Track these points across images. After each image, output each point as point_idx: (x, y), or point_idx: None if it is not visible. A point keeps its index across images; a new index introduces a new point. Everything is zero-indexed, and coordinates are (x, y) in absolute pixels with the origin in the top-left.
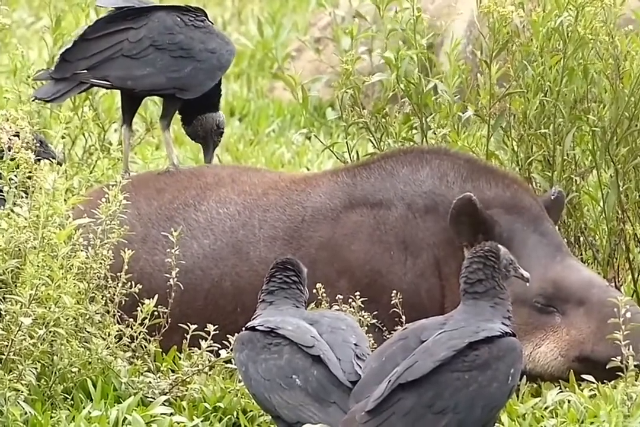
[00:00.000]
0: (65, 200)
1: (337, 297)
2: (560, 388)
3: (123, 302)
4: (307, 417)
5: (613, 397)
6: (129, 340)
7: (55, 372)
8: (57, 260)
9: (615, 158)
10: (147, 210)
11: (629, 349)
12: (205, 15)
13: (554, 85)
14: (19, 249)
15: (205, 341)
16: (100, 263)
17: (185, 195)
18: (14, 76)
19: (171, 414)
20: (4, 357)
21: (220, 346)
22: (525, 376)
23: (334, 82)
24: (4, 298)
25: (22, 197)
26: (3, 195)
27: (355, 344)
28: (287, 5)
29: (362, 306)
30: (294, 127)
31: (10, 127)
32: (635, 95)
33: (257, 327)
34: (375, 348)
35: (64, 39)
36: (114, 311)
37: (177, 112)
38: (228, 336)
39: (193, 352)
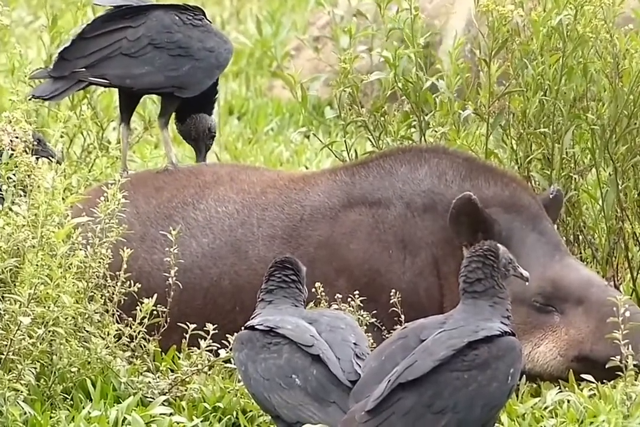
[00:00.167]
0: (63, 199)
1: (336, 296)
2: (559, 388)
3: (122, 302)
4: (307, 416)
5: (612, 397)
6: (128, 339)
7: (55, 372)
8: (56, 259)
9: (614, 156)
10: (146, 209)
11: (628, 349)
12: (204, 14)
13: (553, 83)
14: (18, 248)
15: (205, 340)
16: (99, 262)
17: (184, 194)
18: (12, 75)
19: (170, 414)
20: (3, 357)
21: (219, 346)
22: (524, 376)
23: (333, 81)
24: (2, 297)
25: (21, 195)
26: (2, 194)
27: (354, 343)
28: (286, 4)
29: (361, 304)
30: (292, 125)
31: (14, 130)
32: (634, 94)
33: (256, 327)
34: (374, 347)
35: (62, 37)
36: (113, 310)
37: None
38: (227, 335)
39: (192, 352)
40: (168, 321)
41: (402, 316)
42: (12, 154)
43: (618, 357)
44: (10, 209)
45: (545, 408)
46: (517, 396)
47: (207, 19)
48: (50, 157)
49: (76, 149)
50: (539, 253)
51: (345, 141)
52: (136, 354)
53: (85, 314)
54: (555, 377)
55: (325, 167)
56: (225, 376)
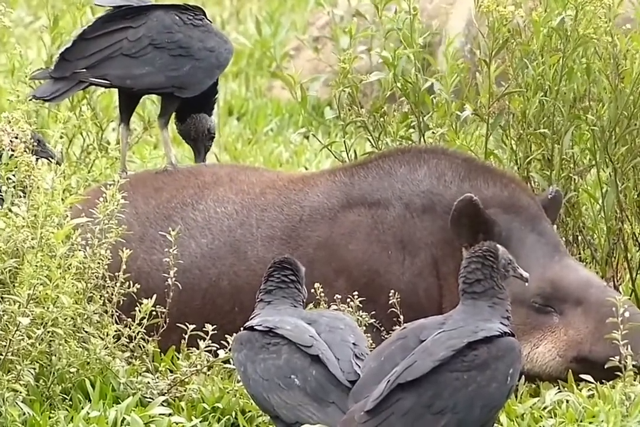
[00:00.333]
0: (63, 199)
1: (335, 297)
2: (558, 388)
3: (121, 302)
4: (306, 417)
5: (611, 397)
6: (127, 340)
7: (54, 373)
8: (55, 260)
9: (614, 157)
10: (145, 210)
11: (627, 349)
12: (204, 14)
13: (553, 84)
14: (17, 249)
15: (204, 340)
16: (98, 263)
17: (183, 195)
18: (12, 76)
19: (170, 414)
20: (2, 357)
21: (218, 346)
22: (523, 376)
23: (332, 81)
24: (2, 298)
25: (20, 196)
26: (1, 195)
27: (353, 344)
28: (286, 4)
29: (360, 305)
30: (292, 126)
31: (13, 130)
32: (634, 95)
33: (255, 327)
34: (373, 348)
35: (62, 38)
36: (112, 311)
37: None
38: (226, 335)
39: (191, 352)
40: (167, 321)
41: (401, 317)
42: (12, 155)
43: (617, 357)
44: (10, 210)
45: (544, 408)
46: (516, 396)
47: (208, 19)
48: (50, 158)
49: (75, 150)
50: (538, 254)
51: (344, 142)
52: (135, 354)
53: (85, 314)
54: (554, 377)
55: (325, 168)
56: (224, 376)
